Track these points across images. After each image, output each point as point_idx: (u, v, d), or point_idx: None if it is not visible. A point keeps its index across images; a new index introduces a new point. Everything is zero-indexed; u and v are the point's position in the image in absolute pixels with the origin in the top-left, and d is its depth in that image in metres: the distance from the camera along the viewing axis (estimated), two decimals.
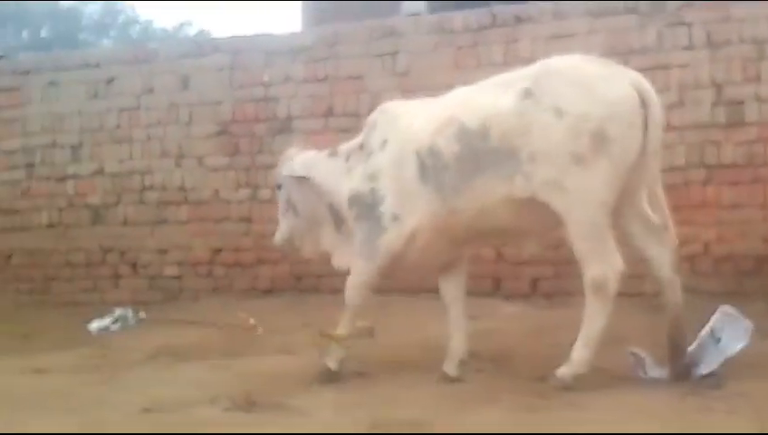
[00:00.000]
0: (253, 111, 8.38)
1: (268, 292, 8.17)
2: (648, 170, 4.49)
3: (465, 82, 7.67)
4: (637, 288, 6.94)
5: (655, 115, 4.44)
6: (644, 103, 4.42)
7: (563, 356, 5.38)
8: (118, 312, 7.86)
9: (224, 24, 56.66)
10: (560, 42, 7.32)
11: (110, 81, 8.78)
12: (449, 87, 7.70)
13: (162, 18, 66.68)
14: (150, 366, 5.97)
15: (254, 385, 4.88)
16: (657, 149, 4.49)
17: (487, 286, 7.62)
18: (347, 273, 5.20)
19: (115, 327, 7.71)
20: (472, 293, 7.48)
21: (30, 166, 9.01)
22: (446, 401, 4.44)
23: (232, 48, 8.50)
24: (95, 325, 7.69)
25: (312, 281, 8.04)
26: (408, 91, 7.90)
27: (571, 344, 5.67)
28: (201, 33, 32.20)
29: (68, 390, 5.24)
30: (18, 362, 6.21)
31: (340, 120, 8.09)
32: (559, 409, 4.24)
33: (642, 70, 6.93)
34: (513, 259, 7.56)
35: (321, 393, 4.76)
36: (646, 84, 4.50)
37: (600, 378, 4.73)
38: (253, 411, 4.42)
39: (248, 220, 8.32)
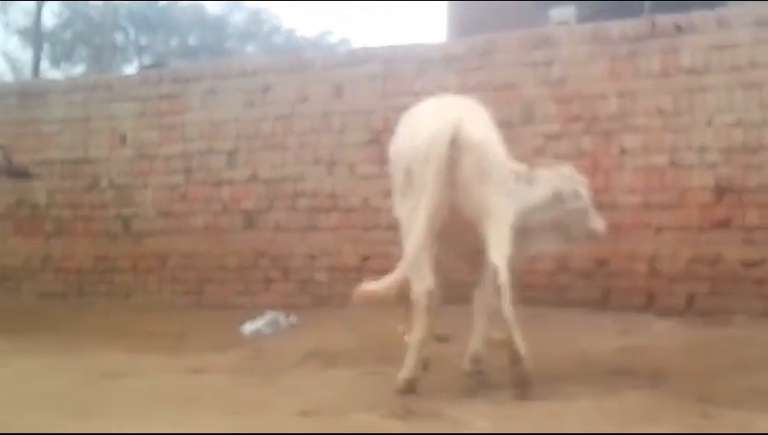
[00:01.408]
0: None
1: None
2: (468, 204, 4.99)
3: (621, 93, 7.63)
4: None
5: (465, 155, 4.92)
6: (454, 144, 4.89)
7: (722, 376, 5.25)
8: (269, 315, 8.00)
9: (364, 33, 57.30)
10: (723, 52, 7.12)
11: (265, 89, 8.99)
12: (604, 97, 7.70)
13: (304, 27, 67.87)
14: (303, 370, 6.04)
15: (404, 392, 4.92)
16: (472, 185, 4.96)
17: (640, 301, 7.45)
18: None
19: (267, 330, 7.84)
20: (623, 307, 7.41)
21: (188, 171, 9.31)
22: (607, 418, 4.33)
23: (384, 57, 8.60)
24: (248, 328, 7.85)
25: (458, 290, 8.01)
26: (562, 101, 7.85)
27: (729, 364, 5.55)
28: (343, 41, 32.69)
29: (225, 390, 5.37)
30: (174, 362, 6.40)
31: None
32: (723, 430, 4.11)
33: None
34: (668, 274, 7.37)
35: (478, 404, 4.73)
36: (463, 128, 4.93)
37: None
38: (410, 419, 4.43)
39: (397, 228, 8.34)
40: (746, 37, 7.09)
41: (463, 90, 8.15)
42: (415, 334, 5.10)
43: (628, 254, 7.52)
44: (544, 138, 7.89)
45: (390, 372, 5.66)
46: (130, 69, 18.56)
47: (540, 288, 7.85)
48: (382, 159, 8.42)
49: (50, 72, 25.37)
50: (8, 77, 25.33)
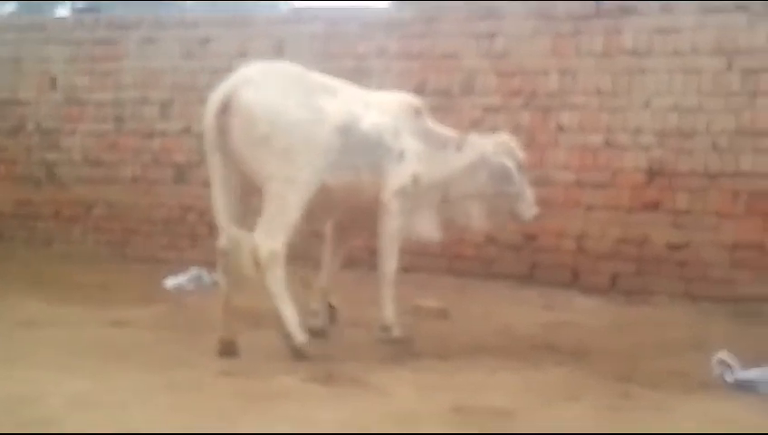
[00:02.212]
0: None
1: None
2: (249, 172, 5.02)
3: (562, 70, 7.65)
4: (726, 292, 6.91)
5: (234, 122, 4.95)
6: (226, 111, 4.95)
7: (643, 355, 5.34)
8: (193, 271, 7.90)
9: None
10: (665, 36, 7.17)
11: (205, 41, 8.83)
12: (545, 73, 7.70)
13: None
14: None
15: (333, 358, 4.91)
16: (245, 154, 4.97)
17: (566, 278, 7.53)
18: None
19: (190, 286, 7.74)
20: (549, 283, 7.48)
21: (119, 119, 9.12)
22: (528, 393, 4.37)
23: (328, 18, 8.48)
24: (170, 282, 7.75)
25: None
26: (504, 75, 7.84)
27: (650, 344, 5.65)
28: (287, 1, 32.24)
29: (147, 345, 5.30)
30: (96, 314, 6.27)
31: (430, 98, 8.02)
32: (642, 410, 4.17)
33: (749, 71, 6.93)
34: (595, 252, 7.46)
35: (400, 372, 4.72)
36: (237, 96, 4.96)
37: (687, 383, 4.65)
38: (331, 384, 4.41)
39: None
40: (689, 23, 7.14)
41: (405, 56, 8.14)
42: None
43: (557, 230, 7.58)
44: (483, 110, 7.88)
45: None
46: (63, 11, 18.02)
47: (468, 259, 7.89)
48: None
49: None
50: None
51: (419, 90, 7.97)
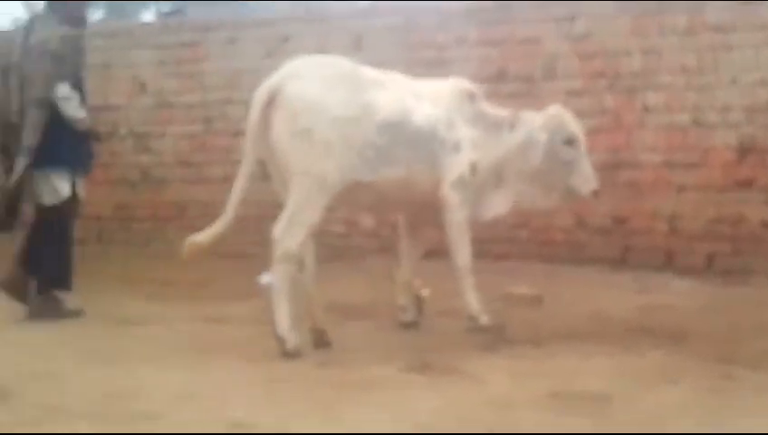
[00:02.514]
0: (424, 73, 8.35)
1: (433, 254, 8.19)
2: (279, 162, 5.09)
3: (645, 50, 7.53)
4: None
5: (277, 115, 4.94)
6: (271, 104, 4.95)
7: (742, 336, 5.24)
8: None
9: None
10: (749, 10, 7.08)
11: (284, 39, 8.92)
12: (628, 54, 7.60)
13: None
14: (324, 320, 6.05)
15: (427, 348, 4.93)
16: (284, 147, 4.98)
17: (659, 260, 7.43)
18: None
19: None
20: (642, 266, 7.39)
21: (207, 120, 9.29)
22: (625, 377, 4.34)
23: (406, 10, 8.50)
24: (264, 278, 7.86)
25: (475, 246, 8.03)
26: (585, 57, 7.77)
27: (749, 325, 5.54)
28: None
29: (245, 340, 5.40)
30: (195, 310, 6.42)
31: (511, 85, 8.02)
32: (745, 392, 4.10)
33: None
34: (689, 233, 7.34)
35: (495, 360, 4.74)
36: (283, 89, 4.95)
37: None
38: (427, 373, 4.45)
39: None
40: None
41: (484, 43, 8.12)
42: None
43: (648, 212, 7.49)
44: (566, 94, 7.79)
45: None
46: (148, 15, 18.43)
47: (557, 245, 7.84)
48: None
49: None
50: None
51: (500, 77, 8.00)
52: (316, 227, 5.07)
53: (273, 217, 8.81)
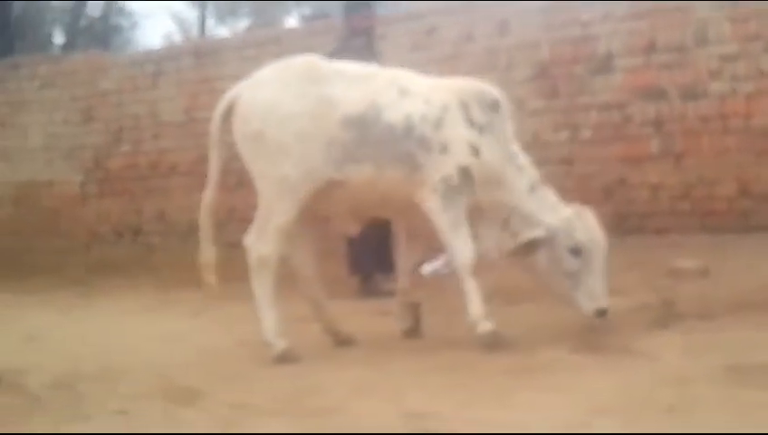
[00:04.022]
0: (571, 51, 8.32)
1: None
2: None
3: None
4: None
5: (234, 123, 4.96)
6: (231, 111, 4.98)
7: None
8: (447, 256, 8.08)
9: None
10: None
11: (430, 31, 9.02)
12: None
13: None
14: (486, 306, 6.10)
15: (593, 328, 4.92)
16: (243, 153, 4.97)
17: None
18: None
19: (444, 270, 7.95)
20: None
21: None
22: None
23: None
24: (428, 268, 7.98)
25: (635, 221, 7.95)
26: (737, 20, 7.54)
27: None
28: None
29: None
30: (362, 305, 6.63)
31: (662, 56, 7.87)
32: None
33: None
34: None
35: (667, 336, 4.69)
36: (239, 96, 4.97)
37: None
38: (599, 354, 4.44)
39: (569, 162, 8.30)
40: None
41: (632, 17, 7.99)
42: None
43: None
44: (720, 60, 7.62)
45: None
46: (291, 21, 18.91)
47: (721, 215, 7.65)
48: (550, 93, 8.41)
49: (216, 29, 26.14)
50: (177, 37, 26.23)
51: (650, 49, 7.86)
52: (287, 229, 4.89)
53: None
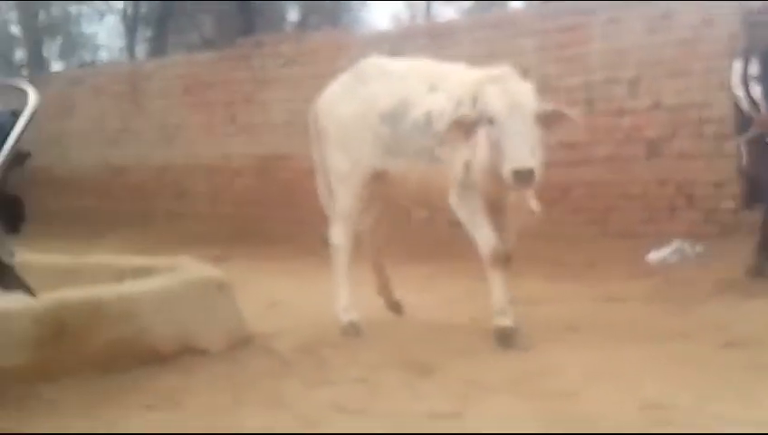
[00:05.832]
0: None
1: None
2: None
3: None
4: None
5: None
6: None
7: None
8: (675, 244, 7.97)
9: None
10: None
11: (667, 15, 8.81)
12: None
13: None
14: (719, 301, 5.99)
15: None
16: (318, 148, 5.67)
17: None
18: None
19: (673, 259, 7.84)
20: None
21: (589, 102, 9.37)
22: None
23: None
24: (654, 256, 7.89)
25: None
26: None
27: None
28: None
29: (640, 319, 5.52)
30: (589, 290, 6.63)
31: None
32: None
33: None
34: None
35: None
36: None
37: None
38: None
39: None
40: None
41: None
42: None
43: None
44: None
45: None
46: (514, 4, 18.84)
47: None
48: None
49: (441, 10, 26.35)
50: (404, 17, 26.63)
51: None
52: (350, 214, 5.45)
53: (658, 196, 8.84)
